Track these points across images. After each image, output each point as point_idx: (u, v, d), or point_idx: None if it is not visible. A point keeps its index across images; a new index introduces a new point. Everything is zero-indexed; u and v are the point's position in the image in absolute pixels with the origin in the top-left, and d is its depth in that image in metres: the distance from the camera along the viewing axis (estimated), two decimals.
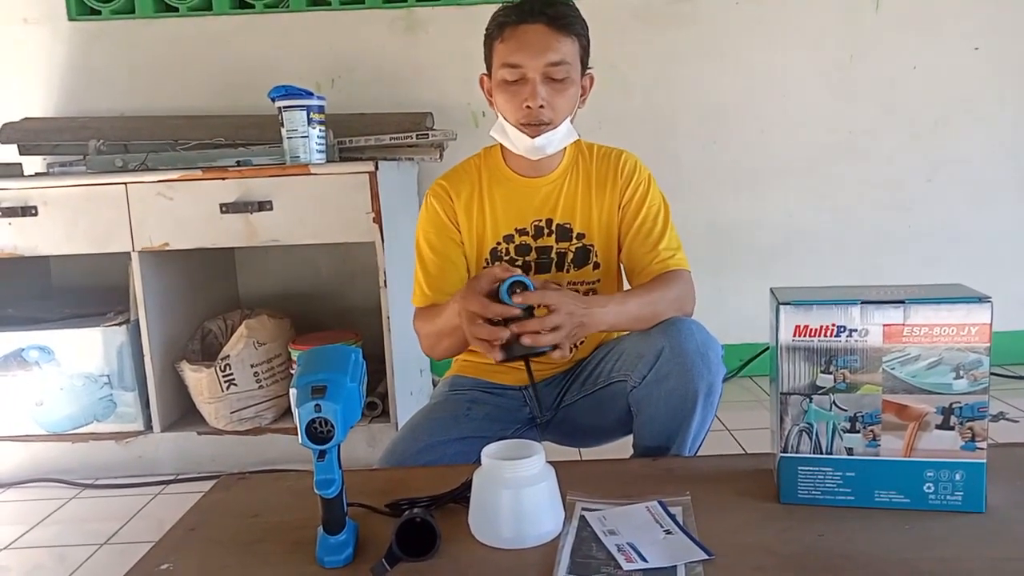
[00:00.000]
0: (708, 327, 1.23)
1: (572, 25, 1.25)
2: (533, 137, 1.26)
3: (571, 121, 1.30)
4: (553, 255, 1.36)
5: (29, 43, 2.59)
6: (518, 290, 1.10)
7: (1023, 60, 2.57)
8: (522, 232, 1.36)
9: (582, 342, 1.39)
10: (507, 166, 1.37)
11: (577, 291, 1.32)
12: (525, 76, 1.24)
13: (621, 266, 1.41)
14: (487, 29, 1.30)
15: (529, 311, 1.11)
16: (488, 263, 1.36)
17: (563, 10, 1.25)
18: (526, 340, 1.09)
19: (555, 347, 1.12)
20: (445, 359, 1.41)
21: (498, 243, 1.36)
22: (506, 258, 1.36)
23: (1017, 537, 0.87)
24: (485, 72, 1.34)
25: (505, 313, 1.10)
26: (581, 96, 1.32)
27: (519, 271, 1.13)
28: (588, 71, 1.32)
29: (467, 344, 1.33)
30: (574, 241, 1.36)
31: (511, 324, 1.10)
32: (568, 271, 1.36)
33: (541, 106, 1.24)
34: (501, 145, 1.36)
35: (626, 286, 1.41)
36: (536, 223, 1.36)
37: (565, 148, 1.35)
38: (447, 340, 1.30)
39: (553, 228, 1.36)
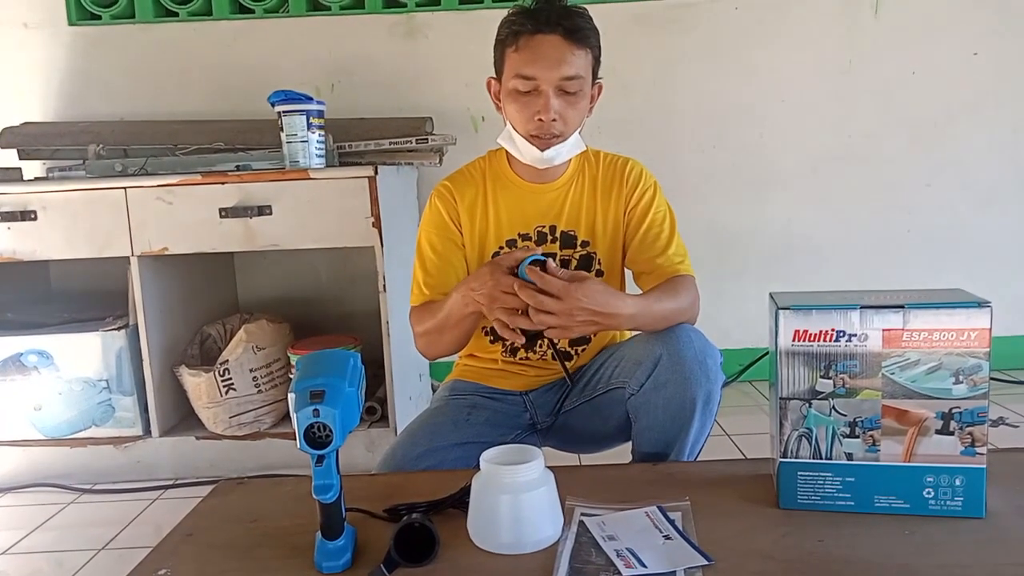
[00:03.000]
0: (708, 331, 1.23)
1: (588, 38, 1.24)
2: (543, 149, 1.26)
3: (579, 133, 1.30)
4: (556, 262, 1.35)
5: (29, 47, 2.59)
6: (538, 268, 1.11)
7: (1022, 63, 2.58)
8: (525, 237, 1.36)
9: (584, 348, 1.39)
10: (512, 171, 1.37)
11: None
12: (538, 88, 1.23)
13: (625, 273, 1.40)
14: (499, 34, 1.28)
15: None
16: None
17: (579, 22, 1.23)
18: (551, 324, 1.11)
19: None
20: (441, 358, 1.40)
21: (500, 247, 1.36)
22: None
23: (1017, 543, 0.87)
24: (493, 75, 1.33)
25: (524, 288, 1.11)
26: (589, 105, 1.32)
27: (539, 250, 1.13)
28: (597, 80, 1.32)
29: (467, 339, 1.33)
30: (578, 248, 1.36)
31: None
32: None
33: (554, 119, 1.24)
34: (506, 149, 1.36)
35: (630, 289, 1.41)
36: (539, 229, 1.36)
37: None
38: (450, 334, 1.29)
39: (557, 235, 1.36)
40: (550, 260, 1.13)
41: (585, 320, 1.11)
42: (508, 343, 1.37)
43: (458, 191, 1.37)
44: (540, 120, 1.24)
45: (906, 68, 2.58)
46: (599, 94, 1.34)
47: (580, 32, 1.23)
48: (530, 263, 1.12)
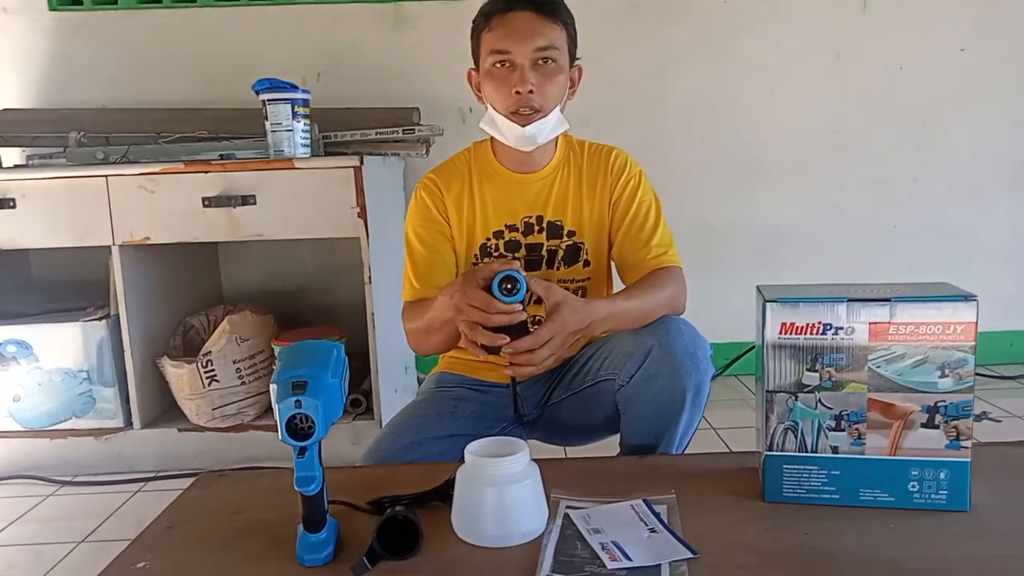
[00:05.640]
0: (695, 325, 1.22)
1: (558, 12, 1.26)
2: (524, 126, 1.25)
3: (561, 111, 1.30)
4: (543, 252, 1.35)
5: (9, 33, 2.55)
6: (509, 285, 1.08)
7: (1009, 60, 2.60)
8: (512, 228, 1.35)
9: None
10: (497, 161, 1.36)
11: (567, 289, 1.30)
12: (513, 63, 1.23)
13: (611, 263, 1.40)
14: (474, 22, 1.29)
15: (524, 325, 1.10)
16: (477, 259, 1.35)
17: None
18: (526, 369, 1.10)
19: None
20: (432, 355, 1.39)
21: (488, 239, 1.35)
22: (495, 254, 1.34)
23: (1000, 535, 0.87)
24: (473, 67, 1.33)
25: (505, 311, 1.07)
26: (570, 88, 1.31)
27: (517, 265, 1.11)
28: (576, 62, 1.31)
29: (456, 340, 1.31)
30: (565, 239, 1.35)
31: (507, 330, 1.09)
32: (558, 268, 1.35)
33: (531, 91, 1.23)
34: (492, 140, 1.35)
35: (616, 281, 1.40)
36: (527, 220, 1.35)
37: (556, 143, 1.35)
38: (436, 335, 1.27)
39: (544, 225, 1.35)
40: (535, 280, 1.11)
41: (574, 342, 1.14)
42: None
43: (444, 183, 1.36)
44: (518, 93, 1.23)
45: (894, 63, 2.59)
46: (580, 77, 1.33)
47: (550, 6, 1.25)
48: (502, 278, 1.08)
